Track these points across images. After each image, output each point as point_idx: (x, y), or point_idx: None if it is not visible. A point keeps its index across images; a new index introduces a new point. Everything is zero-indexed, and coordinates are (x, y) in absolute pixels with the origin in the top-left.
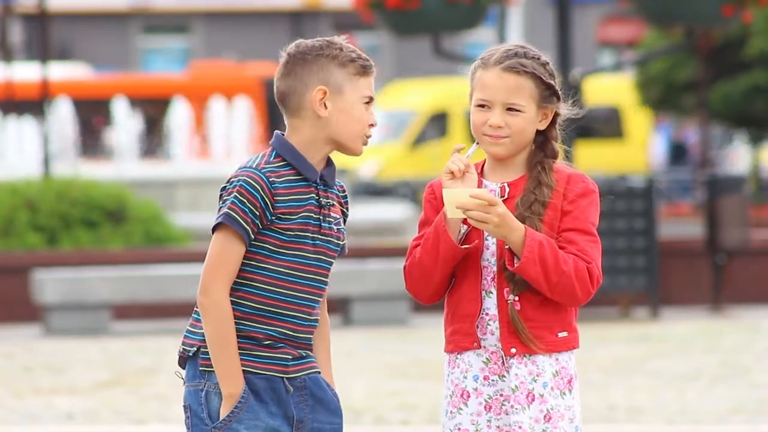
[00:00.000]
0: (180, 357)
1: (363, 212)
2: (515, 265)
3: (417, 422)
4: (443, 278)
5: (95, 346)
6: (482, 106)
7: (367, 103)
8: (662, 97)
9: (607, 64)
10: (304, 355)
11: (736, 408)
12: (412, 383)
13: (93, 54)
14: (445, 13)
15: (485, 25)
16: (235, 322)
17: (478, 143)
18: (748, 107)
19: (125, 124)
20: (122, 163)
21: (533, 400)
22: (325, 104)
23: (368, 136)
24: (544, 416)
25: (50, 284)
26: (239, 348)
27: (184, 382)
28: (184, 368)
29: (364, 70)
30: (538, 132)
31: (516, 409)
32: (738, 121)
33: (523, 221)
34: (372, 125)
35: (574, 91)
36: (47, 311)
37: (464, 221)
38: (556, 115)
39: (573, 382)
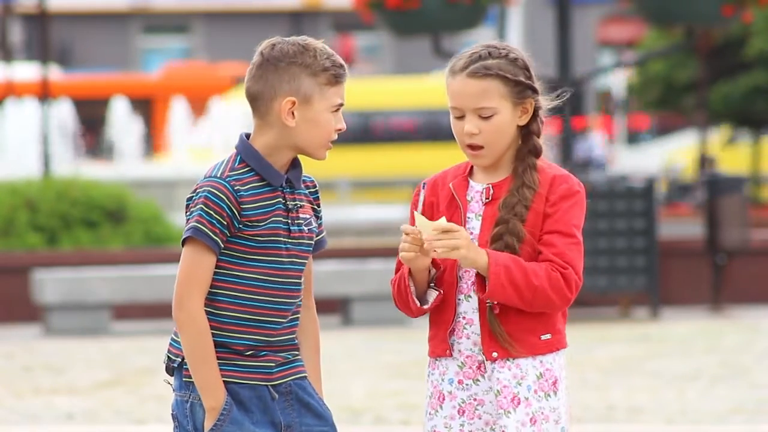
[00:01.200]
0: (166, 366)
1: (363, 212)
2: (485, 292)
3: (417, 422)
4: (420, 313)
5: (95, 346)
6: (458, 115)
7: (336, 110)
8: (662, 97)
9: (607, 64)
10: (290, 358)
11: (736, 408)
12: (412, 383)
13: (93, 54)
14: (445, 13)
15: (485, 25)
16: (214, 332)
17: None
18: (749, 107)
19: (119, 125)
20: (121, 163)
21: (519, 403)
22: (293, 113)
23: (332, 142)
24: (530, 419)
25: (50, 284)
26: (222, 359)
27: (173, 390)
28: (172, 375)
29: (335, 80)
30: (522, 127)
31: (500, 413)
32: (738, 121)
33: (506, 224)
34: (339, 130)
35: (562, 85)
36: (47, 311)
37: (434, 265)
38: (537, 108)
39: (558, 384)
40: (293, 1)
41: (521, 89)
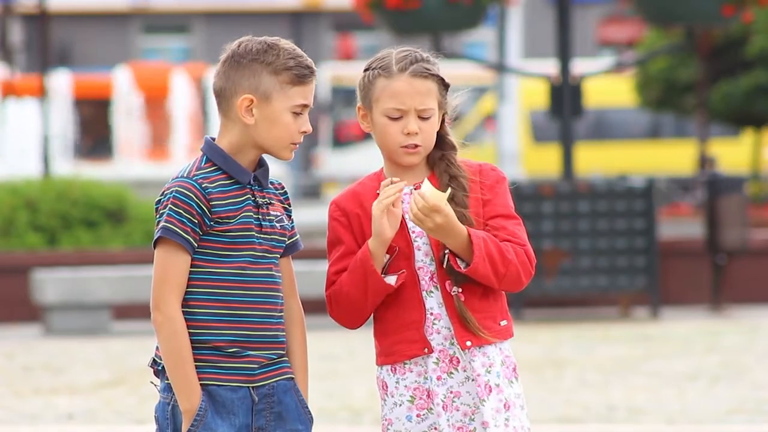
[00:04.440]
0: (153, 369)
1: None
2: (464, 268)
3: None
4: (374, 308)
5: (95, 346)
6: (395, 116)
7: (300, 112)
8: (662, 97)
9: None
10: (275, 358)
11: (736, 408)
12: None
13: (93, 54)
14: (445, 13)
15: (485, 25)
16: (196, 332)
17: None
18: (749, 107)
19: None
20: (121, 163)
21: (491, 390)
22: (252, 111)
23: (296, 143)
24: (504, 405)
25: (50, 284)
26: (203, 360)
27: (159, 392)
28: (159, 378)
29: (298, 79)
30: None
31: (477, 401)
32: (738, 121)
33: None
34: (304, 132)
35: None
36: (47, 311)
37: (388, 250)
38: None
39: (517, 370)
40: (293, 1)
41: (445, 92)
